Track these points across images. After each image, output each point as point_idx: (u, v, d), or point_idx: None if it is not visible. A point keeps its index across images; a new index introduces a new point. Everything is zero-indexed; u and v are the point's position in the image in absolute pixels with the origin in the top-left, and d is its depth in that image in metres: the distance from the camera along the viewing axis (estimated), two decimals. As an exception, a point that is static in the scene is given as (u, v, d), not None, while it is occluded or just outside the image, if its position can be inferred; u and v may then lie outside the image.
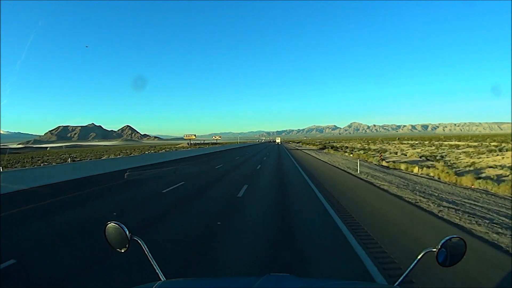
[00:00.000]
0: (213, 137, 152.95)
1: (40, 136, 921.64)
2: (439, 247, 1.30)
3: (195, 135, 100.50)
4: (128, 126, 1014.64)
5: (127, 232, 1.40)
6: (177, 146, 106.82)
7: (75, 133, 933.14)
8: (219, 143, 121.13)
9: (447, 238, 1.30)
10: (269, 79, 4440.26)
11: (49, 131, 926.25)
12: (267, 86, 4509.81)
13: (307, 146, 73.63)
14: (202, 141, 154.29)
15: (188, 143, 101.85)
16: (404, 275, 1.35)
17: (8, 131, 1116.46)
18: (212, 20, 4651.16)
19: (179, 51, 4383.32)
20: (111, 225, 1.44)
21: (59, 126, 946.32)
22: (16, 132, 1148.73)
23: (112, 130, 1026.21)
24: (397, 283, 1.35)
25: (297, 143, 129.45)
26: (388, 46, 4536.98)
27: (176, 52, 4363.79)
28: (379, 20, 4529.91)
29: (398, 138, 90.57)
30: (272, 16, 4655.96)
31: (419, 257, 1.32)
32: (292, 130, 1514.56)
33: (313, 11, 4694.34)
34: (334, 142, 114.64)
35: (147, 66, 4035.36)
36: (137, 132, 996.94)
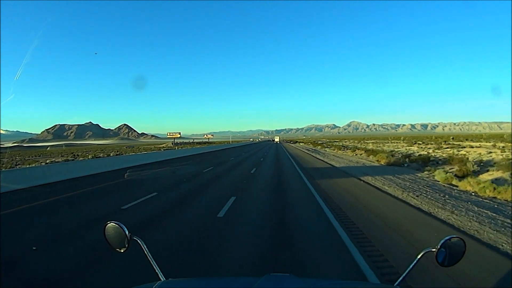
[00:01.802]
0: (205, 136, 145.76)
1: (37, 135, 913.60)
2: (439, 247, 1.28)
3: (180, 133, 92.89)
4: (125, 124, 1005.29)
5: (127, 232, 1.39)
6: (160, 146, 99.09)
7: (72, 132, 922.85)
8: (211, 143, 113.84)
9: (447, 238, 1.29)
10: (268, 78, 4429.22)
11: (46, 129, 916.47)
12: (266, 85, 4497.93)
13: (328, 150, 38.90)
14: (192, 140, 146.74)
15: (172, 143, 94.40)
16: (403, 275, 1.32)
17: (6, 130, 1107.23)
18: (211, 19, 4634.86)
19: (178, 50, 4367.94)
20: (110, 225, 1.41)
21: (56, 125, 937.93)
22: (15, 131, 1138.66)
23: (109, 129, 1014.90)
24: (396, 283, 1.33)
25: (294, 142, 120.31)
26: (388, 45, 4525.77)
27: (176, 50, 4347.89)
28: (378, 19, 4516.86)
29: (453, 138, 55.23)
30: (272, 15, 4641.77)
31: (418, 257, 1.30)
32: (291, 129, 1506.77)
33: (312, 10, 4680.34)
34: (340, 141, 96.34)
35: (146, 64, 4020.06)
36: (134, 130, 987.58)
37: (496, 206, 7.22)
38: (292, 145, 77.82)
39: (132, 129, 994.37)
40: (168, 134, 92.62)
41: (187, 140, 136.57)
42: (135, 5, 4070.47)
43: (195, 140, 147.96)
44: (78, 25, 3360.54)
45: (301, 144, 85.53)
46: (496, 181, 10.95)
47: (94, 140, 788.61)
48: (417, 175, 13.20)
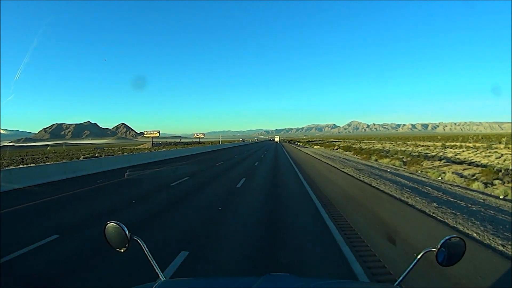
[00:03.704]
0: (195, 135, 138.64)
1: (34, 134, 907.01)
2: (439, 247, 1.29)
3: (159, 132, 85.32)
4: (123, 124, 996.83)
5: (127, 232, 1.39)
6: (139, 146, 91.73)
7: (69, 131, 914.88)
8: (201, 142, 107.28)
9: (447, 238, 1.30)
10: (268, 78, 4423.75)
11: (43, 129, 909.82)
12: (266, 85, 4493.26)
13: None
14: (179, 140, 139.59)
15: (152, 143, 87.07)
16: (404, 274, 1.33)
17: (6, 129, 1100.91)
18: (211, 19, 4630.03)
19: (177, 49, 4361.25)
20: (110, 224, 1.42)
21: (54, 124, 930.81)
22: (14, 130, 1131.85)
23: (107, 128, 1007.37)
24: (396, 282, 1.33)
25: (294, 142, 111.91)
26: (388, 45, 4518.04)
27: (175, 50, 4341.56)
28: (378, 19, 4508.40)
29: None
30: (271, 15, 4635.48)
31: (418, 257, 1.31)
32: (291, 129, 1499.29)
33: (312, 9, 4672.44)
34: (360, 142, 77.46)
35: (146, 64, 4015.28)
36: (132, 130, 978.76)
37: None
38: (301, 150, 42.24)
39: (130, 128, 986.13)
40: (146, 132, 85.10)
41: (172, 140, 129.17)
42: (133, 5, 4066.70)
43: (182, 140, 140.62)
44: (77, 25, 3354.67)
45: (315, 147, 56.81)
46: None
47: (91, 139, 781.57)
48: None
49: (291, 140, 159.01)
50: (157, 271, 1.38)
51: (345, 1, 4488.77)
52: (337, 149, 42.81)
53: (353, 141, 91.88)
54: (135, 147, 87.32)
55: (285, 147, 59.94)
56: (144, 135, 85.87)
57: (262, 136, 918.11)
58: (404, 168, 17.74)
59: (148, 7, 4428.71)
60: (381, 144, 58.68)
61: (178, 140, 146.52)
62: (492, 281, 3.47)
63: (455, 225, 5.29)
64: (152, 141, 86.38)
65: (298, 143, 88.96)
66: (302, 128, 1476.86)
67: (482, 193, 10.85)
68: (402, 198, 7.61)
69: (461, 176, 13.97)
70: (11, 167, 20.65)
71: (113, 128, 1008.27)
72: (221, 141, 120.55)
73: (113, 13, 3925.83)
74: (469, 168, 16.91)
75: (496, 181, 12.31)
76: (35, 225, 6.27)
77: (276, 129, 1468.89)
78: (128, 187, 11.75)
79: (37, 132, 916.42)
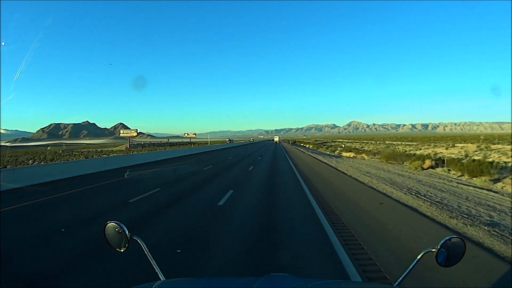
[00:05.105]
0: (185, 134, 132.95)
1: (32, 133, 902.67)
2: (439, 247, 1.29)
3: (136, 131, 79.65)
4: (121, 123, 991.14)
5: (127, 232, 1.38)
6: (115, 148, 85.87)
7: (67, 131, 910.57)
8: (191, 143, 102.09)
9: (447, 238, 1.30)
10: (268, 78, 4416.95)
11: (41, 128, 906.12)
12: (266, 85, 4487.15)
13: None
14: (167, 140, 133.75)
15: (129, 144, 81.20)
16: (403, 275, 1.33)
17: (6, 129, 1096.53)
18: (210, 18, 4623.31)
19: (176, 49, 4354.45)
20: (110, 224, 1.41)
21: (52, 124, 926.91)
22: (14, 130, 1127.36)
23: (105, 128, 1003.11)
24: (396, 283, 1.33)
25: (294, 142, 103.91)
26: (388, 44, 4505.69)
27: (174, 49, 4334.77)
28: (378, 19, 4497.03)
29: None
30: (271, 15, 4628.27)
31: (418, 257, 1.32)
32: (291, 129, 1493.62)
33: (312, 9, 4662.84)
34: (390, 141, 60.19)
35: (146, 63, 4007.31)
36: (130, 130, 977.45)
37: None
38: (343, 171, 15.49)
39: (128, 128, 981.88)
40: (123, 132, 79.45)
41: (158, 141, 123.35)
42: (132, 4, 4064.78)
43: (169, 140, 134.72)
44: (76, 25, 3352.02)
45: (344, 153, 35.30)
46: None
47: (89, 139, 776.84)
48: None
49: (291, 141, 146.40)
50: (156, 271, 1.35)
51: (345, 1, 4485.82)
52: (430, 167, 19.26)
53: (372, 142, 68.31)
54: (111, 149, 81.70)
55: (290, 154, 33.10)
56: (121, 134, 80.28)
57: (262, 136, 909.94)
58: None
59: (146, 6, 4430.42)
60: (444, 149, 36.36)
61: (165, 140, 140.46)
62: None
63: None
64: (129, 142, 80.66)
65: (305, 145, 63.02)
66: (302, 128, 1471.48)
67: None
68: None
69: None
70: None
71: (111, 128, 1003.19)
72: (209, 141, 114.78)
73: (112, 13, 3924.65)
74: None
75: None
76: None
77: (276, 129, 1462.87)
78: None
79: (35, 132, 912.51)
